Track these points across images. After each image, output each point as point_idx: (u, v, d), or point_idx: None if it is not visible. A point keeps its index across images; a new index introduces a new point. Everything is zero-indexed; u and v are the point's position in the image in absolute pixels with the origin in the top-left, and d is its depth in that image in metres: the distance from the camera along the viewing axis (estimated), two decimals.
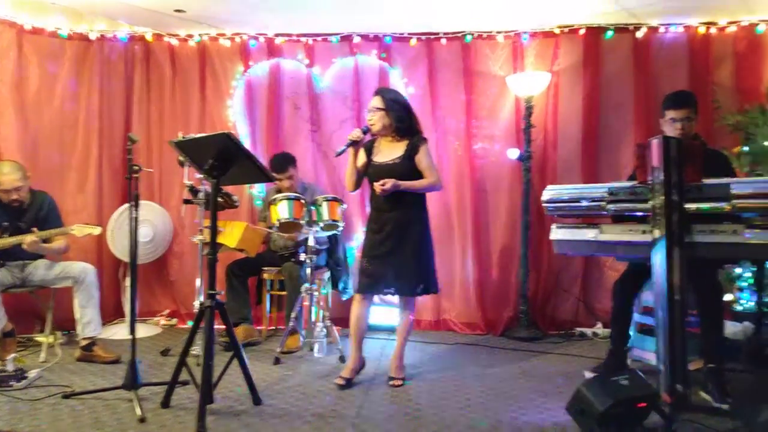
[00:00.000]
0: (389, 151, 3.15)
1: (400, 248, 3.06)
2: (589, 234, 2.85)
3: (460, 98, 4.52)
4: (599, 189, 2.82)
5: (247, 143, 4.61)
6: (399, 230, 3.07)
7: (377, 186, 2.98)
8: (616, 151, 4.42)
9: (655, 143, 2.62)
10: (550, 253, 4.37)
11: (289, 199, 3.67)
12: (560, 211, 2.95)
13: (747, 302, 3.96)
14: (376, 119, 3.11)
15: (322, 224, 3.62)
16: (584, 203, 2.86)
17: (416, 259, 3.06)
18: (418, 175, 3.09)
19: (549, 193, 2.97)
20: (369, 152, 3.18)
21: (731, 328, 3.58)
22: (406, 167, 3.07)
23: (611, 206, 2.77)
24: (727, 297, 3.92)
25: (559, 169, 4.44)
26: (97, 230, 3.60)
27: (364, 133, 3.11)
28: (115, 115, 4.68)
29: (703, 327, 3.00)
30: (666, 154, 2.59)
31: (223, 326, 2.82)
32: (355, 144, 3.11)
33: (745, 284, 3.99)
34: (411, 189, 3.05)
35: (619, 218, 2.87)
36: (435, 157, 4.43)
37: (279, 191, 4.19)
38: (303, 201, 3.67)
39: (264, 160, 4.52)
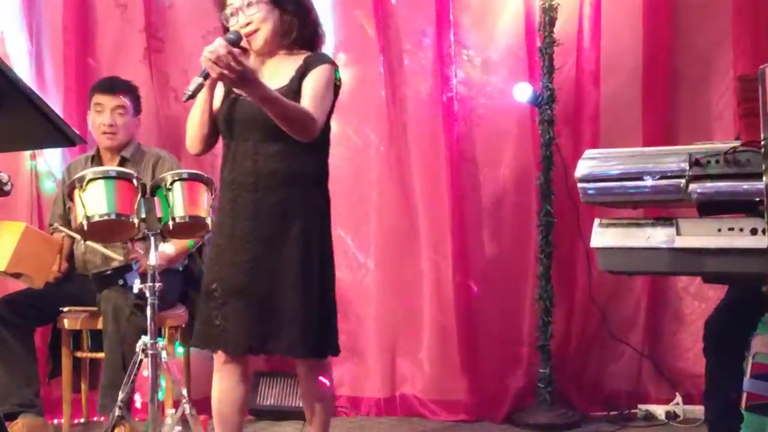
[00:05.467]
0: (270, 74, 3.03)
1: (270, 263, 2.94)
2: (658, 236, 2.68)
3: None
4: (675, 156, 2.66)
5: (27, 74, 4.34)
6: (269, 229, 2.94)
7: (206, 57, 2.69)
8: (703, 90, 4.39)
9: None
10: (591, 271, 4.27)
11: (108, 177, 3.31)
12: (608, 196, 2.80)
13: None
14: (258, 19, 2.95)
15: (172, 225, 3.29)
16: (650, 182, 2.70)
17: (301, 283, 2.93)
18: None
19: (588, 163, 2.83)
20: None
21: None
22: (296, 98, 2.98)
23: (696, 186, 2.59)
24: None
25: (604, 121, 4.37)
26: None
27: (234, 45, 2.87)
28: None
29: None
30: None
31: None
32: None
33: None
34: (269, 102, 2.84)
35: (710, 208, 2.71)
36: (385, 98, 4.41)
37: (94, 161, 4.04)
38: (136, 181, 3.37)
39: (59, 103, 4.32)
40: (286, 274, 2.96)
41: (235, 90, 3.04)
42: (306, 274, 2.98)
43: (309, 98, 2.96)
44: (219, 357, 3.08)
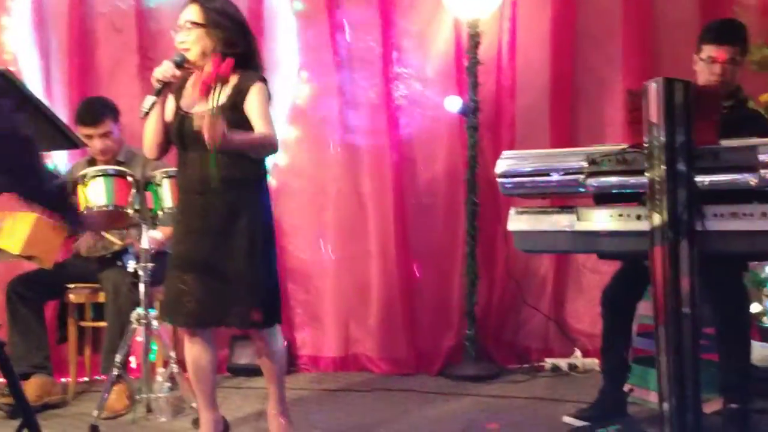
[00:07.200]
0: (214, 93, 3.09)
1: (222, 252, 3.05)
2: (562, 221, 2.96)
3: (373, 19, 4.60)
4: (575, 156, 2.93)
5: (37, 87, 4.51)
6: (219, 225, 3.05)
7: (204, 128, 2.74)
8: (599, 102, 4.64)
9: (653, 89, 2.71)
10: (508, 250, 4.51)
11: (107, 174, 3.57)
12: (522, 189, 3.07)
13: None
14: (191, 41, 3.04)
15: (162, 214, 3.59)
16: (555, 177, 2.96)
17: (249, 267, 3.06)
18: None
19: (506, 162, 3.06)
20: (177, 96, 3.13)
21: (760, 352, 3.77)
22: (230, 120, 2.91)
23: (592, 181, 2.88)
24: (755, 308, 4.08)
25: (519, 128, 4.60)
26: None
27: (179, 66, 3.02)
28: None
29: (723, 352, 3.19)
30: (669, 106, 2.69)
31: (5, 380, 2.62)
32: (167, 87, 3.03)
33: None
34: (242, 146, 2.97)
35: (603, 198, 3.00)
36: (340, 108, 4.63)
37: (91, 163, 4.11)
38: (130, 178, 3.60)
39: (65, 113, 4.42)
40: (236, 262, 3.01)
41: (182, 108, 3.07)
42: (253, 261, 3.03)
43: (260, 119, 2.99)
44: (185, 331, 3.19)
